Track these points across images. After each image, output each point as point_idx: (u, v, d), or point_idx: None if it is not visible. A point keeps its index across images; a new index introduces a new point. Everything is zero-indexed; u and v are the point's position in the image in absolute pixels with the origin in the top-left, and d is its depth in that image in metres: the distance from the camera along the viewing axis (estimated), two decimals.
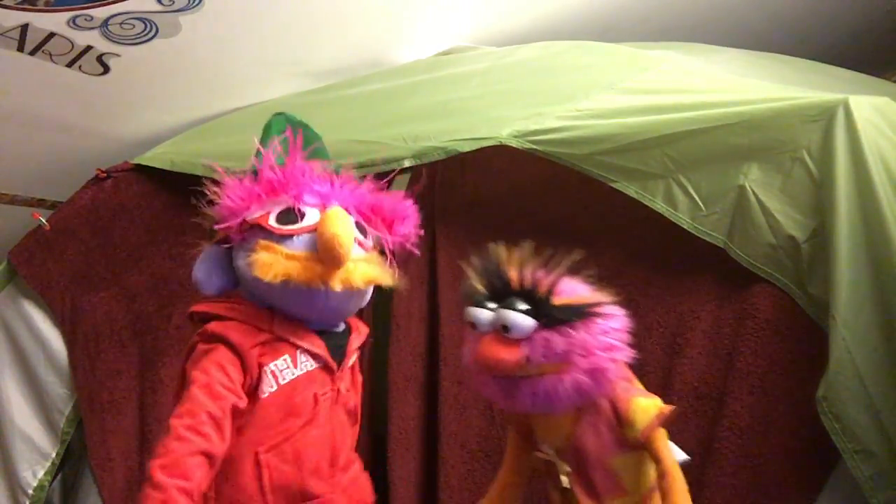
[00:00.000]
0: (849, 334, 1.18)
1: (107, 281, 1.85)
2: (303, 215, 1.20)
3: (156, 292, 1.86)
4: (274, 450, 1.18)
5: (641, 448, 1.13)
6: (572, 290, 1.13)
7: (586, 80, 1.62)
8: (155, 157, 1.85)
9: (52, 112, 1.99)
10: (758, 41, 2.27)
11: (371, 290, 1.29)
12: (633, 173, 1.43)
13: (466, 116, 1.60)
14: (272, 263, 1.16)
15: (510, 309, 1.10)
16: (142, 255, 1.86)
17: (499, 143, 1.49)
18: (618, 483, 1.16)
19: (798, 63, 2.06)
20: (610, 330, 1.10)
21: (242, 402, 1.15)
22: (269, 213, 1.20)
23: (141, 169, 1.85)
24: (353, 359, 1.31)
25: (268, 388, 1.18)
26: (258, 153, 1.26)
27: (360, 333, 1.34)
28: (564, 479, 1.16)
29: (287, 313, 1.22)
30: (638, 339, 1.13)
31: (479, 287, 1.15)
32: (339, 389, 1.25)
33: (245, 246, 1.21)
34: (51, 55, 1.78)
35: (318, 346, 1.24)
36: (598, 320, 1.10)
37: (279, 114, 1.35)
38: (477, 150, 1.52)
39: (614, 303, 1.13)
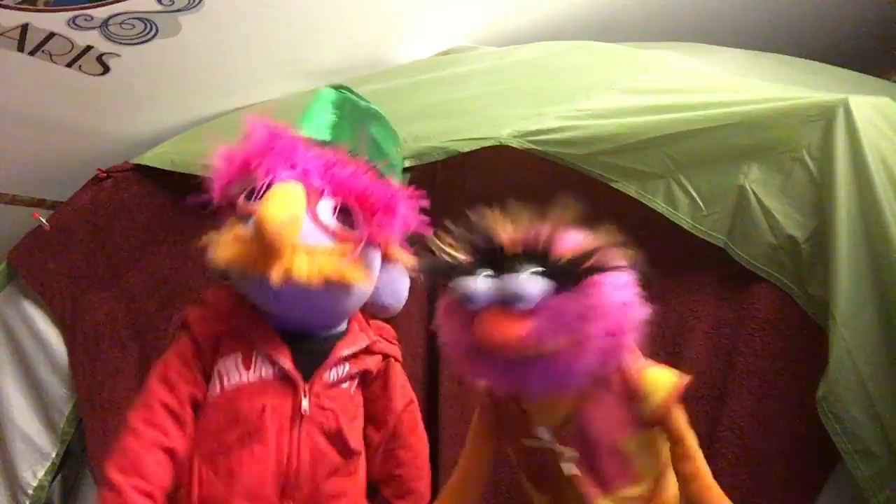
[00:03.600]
0: (849, 334, 1.18)
1: (107, 281, 1.85)
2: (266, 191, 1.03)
3: (156, 292, 1.86)
4: (208, 461, 1.05)
5: (655, 426, 1.00)
6: (569, 238, 0.96)
7: (586, 80, 1.62)
8: (155, 157, 1.85)
9: (52, 112, 1.99)
10: (758, 41, 2.27)
11: (381, 290, 1.13)
12: (633, 173, 1.43)
13: (466, 116, 1.60)
14: (220, 244, 1.03)
15: (516, 273, 0.90)
16: (142, 255, 1.86)
17: (499, 143, 1.49)
18: (629, 468, 1.01)
19: (798, 63, 2.06)
20: (624, 284, 0.95)
21: (202, 394, 1.06)
22: (243, 193, 1.07)
23: (141, 169, 1.84)
24: (338, 371, 1.12)
25: (213, 388, 1.07)
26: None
27: (357, 340, 1.15)
28: (568, 467, 1.00)
29: (256, 306, 1.08)
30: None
31: (463, 254, 0.96)
32: (300, 405, 1.07)
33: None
34: (51, 55, 1.77)
35: (279, 352, 1.07)
36: (612, 274, 0.93)
37: (333, 87, 1.19)
38: (477, 150, 1.52)
39: (618, 248, 0.97)
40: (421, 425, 1.26)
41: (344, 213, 1.07)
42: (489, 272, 0.93)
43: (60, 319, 1.83)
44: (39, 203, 2.27)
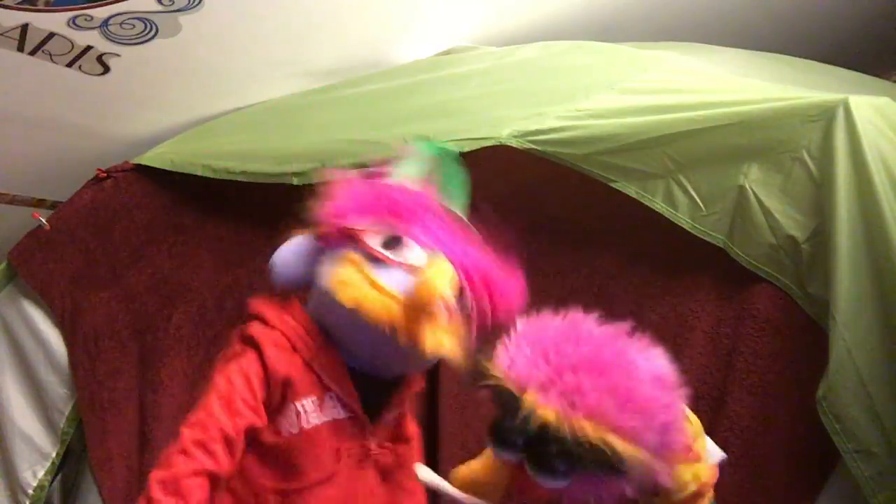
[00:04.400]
0: (849, 334, 1.18)
1: (107, 281, 1.85)
2: (407, 247, 1.06)
3: (156, 292, 1.86)
4: (286, 498, 1.05)
5: None
6: (613, 388, 0.94)
7: (586, 80, 1.62)
8: (155, 157, 1.85)
9: (52, 112, 1.99)
10: (758, 41, 2.27)
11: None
12: (633, 173, 1.43)
13: (466, 116, 1.60)
14: (353, 284, 1.02)
15: (538, 467, 0.97)
16: (142, 255, 1.86)
17: (499, 143, 1.49)
18: None
19: (798, 63, 2.06)
20: (672, 441, 0.97)
21: (262, 422, 1.04)
22: (371, 231, 1.07)
23: (141, 169, 1.84)
24: (394, 412, 1.16)
25: (289, 426, 1.05)
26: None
27: (410, 386, 1.19)
28: None
29: (338, 340, 1.09)
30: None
31: (502, 419, 1.00)
32: (369, 447, 1.11)
33: (335, 253, 1.07)
34: (51, 55, 1.77)
35: (350, 394, 1.09)
36: (644, 461, 0.93)
37: (431, 144, 1.22)
38: (477, 150, 1.52)
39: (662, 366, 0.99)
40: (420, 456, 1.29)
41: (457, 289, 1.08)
42: (522, 442, 0.98)
43: (60, 319, 1.83)
44: (39, 203, 2.27)
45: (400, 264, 1.04)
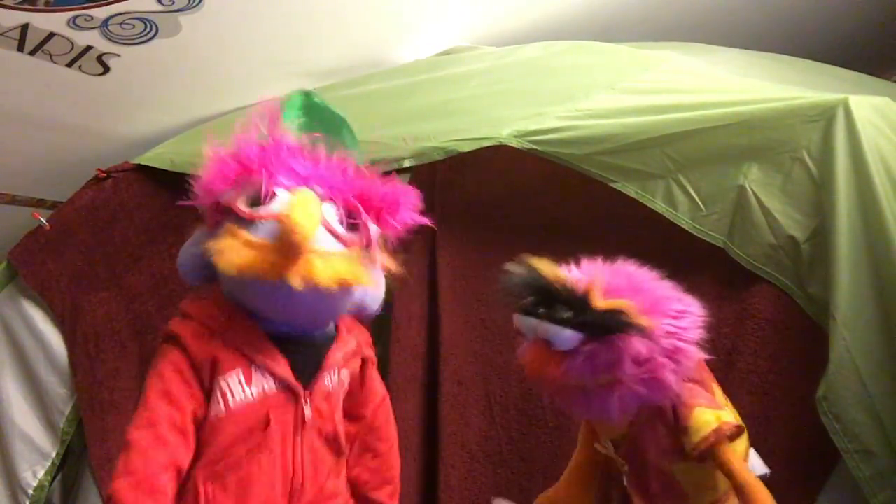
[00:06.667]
0: (849, 334, 1.18)
1: (107, 281, 1.85)
2: (273, 198, 1.05)
3: (156, 292, 1.86)
4: (216, 479, 1.04)
5: (703, 461, 1.06)
6: (631, 284, 1.04)
7: (586, 80, 1.62)
8: (155, 157, 1.85)
9: (52, 112, 1.99)
10: (758, 41, 2.27)
11: (366, 292, 1.15)
12: (633, 173, 1.43)
13: (466, 116, 1.60)
14: (228, 250, 1.01)
15: (552, 320, 1.01)
16: (142, 255, 1.86)
17: (499, 143, 1.49)
18: (676, 489, 1.09)
19: (798, 63, 2.06)
20: (677, 330, 1.02)
21: (202, 411, 1.04)
22: (240, 196, 1.06)
23: (141, 169, 1.85)
24: (333, 376, 1.14)
25: (216, 406, 1.05)
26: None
27: (347, 343, 1.17)
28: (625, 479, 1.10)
29: (253, 311, 1.08)
30: None
31: (524, 292, 1.06)
32: (303, 413, 1.08)
33: (217, 231, 1.07)
34: (51, 55, 1.77)
35: (279, 364, 1.07)
36: (663, 320, 1.01)
37: (301, 92, 1.21)
38: (477, 150, 1.52)
39: (685, 295, 1.06)
40: (392, 417, 1.29)
41: (344, 217, 1.09)
42: (539, 310, 1.03)
43: (60, 319, 1.83)
44: (39, 203, 2.27)
45: (266, 215, 1.04)
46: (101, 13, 1.67)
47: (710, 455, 1.05)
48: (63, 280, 1.83)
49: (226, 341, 1.07)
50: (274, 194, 1.05)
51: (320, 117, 1.20)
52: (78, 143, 2.12)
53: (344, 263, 1.04)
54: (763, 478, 1.09)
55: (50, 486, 1.82)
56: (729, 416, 1.08)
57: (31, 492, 1.80)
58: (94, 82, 1.90)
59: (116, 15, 1.68)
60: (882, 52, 2.85)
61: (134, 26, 1.73)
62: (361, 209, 1.09)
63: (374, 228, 1.09)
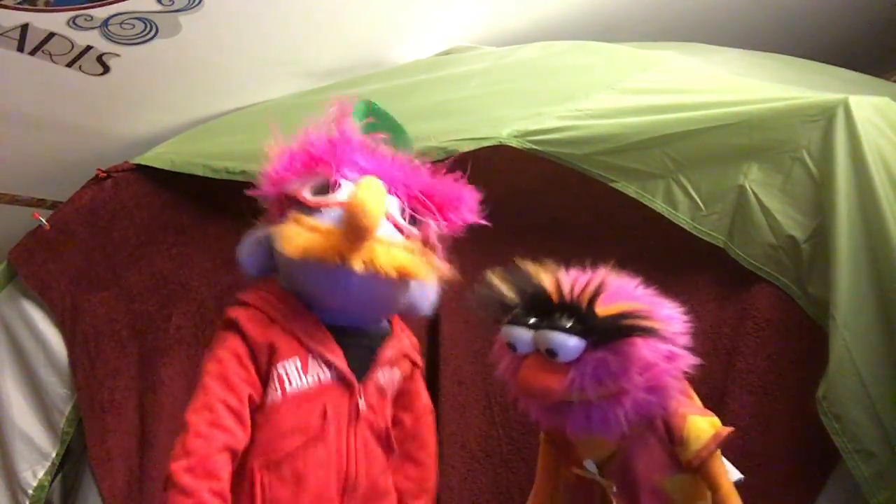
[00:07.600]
0: (849, 334, 1.18)
1: (107, 281, 1.85)
2: (338, 188, 1.08)
3: (156, 292, 1.86)
4: (272, 467, 1.05)
5: (695, 471, 1.04)
6: (620, 292, 0.99)
7: (586, 80, 1.62)
8: (155, 157, 1.85)
9: (52, 112, 1.99)
10: (758, 41, 2.27)
11: (421, 289, 1.13)
12: (633, 173, 1.43)
13: (466, 116, 1.60)
14: (293, 235, 1.03)
15: (554, 329, 0.94)
16: (142, 255, 1.86)
17: (499, 143, 1.49)
18: None
19: (798, 63, 2.06)
20: (670, 336, 0.98)
21: (258, 396, 1.05)
22: (305, 187, 1.09)
23: (141, 169, 1.84)
24: (385, 372, 1.15)
25: (273, 393, 1.06)
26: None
27: (401, 341, 1.19)
28: (613, 501, 1.05)
29: (310, 299, 1.10)
30: None
31: (513, 300, 1.00)
32: (358, 407, 1.10)
33: (281, 222, 1.09)
34: (51, 55, 1.78)
35: (335, 354, 1.09)
36: (657, 326, 0.95)
37: (364, 101, 1.25)
38: (477, 150, 1.52)
39: (671, 301, 1.02)
40: (435, 429, 1.29)
41: (405, 211, 1.12)
42: (534, 320, 0.97)
43: (60, 319, 1.83)
44: (39, 203, 2.27)
45: (331, 203, 1.07)
46: (101, 13, 1.67)
47: (704, 465, 1.03)
48: (63, 280, 1.83)
49: (284, 328, 1.08)
50: (339, 185, 1.08)
51: (383, 122, 1.24)
52: (78, 143, 2.12)
53: (404, 254, 1.06)
54: (737, 483, 1.07)
55: (50, 486, 1.81)
56: (718, 421, 1.07)
57: (30, 492, 1.80)
58: (94, 82, 1.90)
59: (116, 15, 1.68)
60: (882, 52, 2.84)
61: (134, 26, 1.73)
62: (429, 202, 1.12)
63: (434, 225, 1.12)
